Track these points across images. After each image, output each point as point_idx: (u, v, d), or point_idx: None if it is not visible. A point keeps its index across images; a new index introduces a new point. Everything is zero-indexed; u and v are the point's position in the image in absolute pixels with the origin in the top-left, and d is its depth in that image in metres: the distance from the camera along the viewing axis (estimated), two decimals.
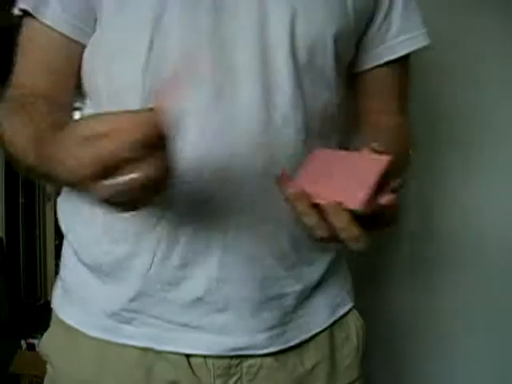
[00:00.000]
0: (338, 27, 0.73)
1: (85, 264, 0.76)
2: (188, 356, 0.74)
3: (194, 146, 0.67)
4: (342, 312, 0.83)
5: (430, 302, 1.40)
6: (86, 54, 0.73)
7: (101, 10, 0.70)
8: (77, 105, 0.79)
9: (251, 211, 0.72)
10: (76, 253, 0.77)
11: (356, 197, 0.56)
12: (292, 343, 0.78)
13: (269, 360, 0.76)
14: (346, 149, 0.67)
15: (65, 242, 0.81)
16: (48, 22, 0.71)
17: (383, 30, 0.80)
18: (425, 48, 0.82)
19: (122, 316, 0.74)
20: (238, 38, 0.68)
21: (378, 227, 0.59)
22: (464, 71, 1.33)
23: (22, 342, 2.43)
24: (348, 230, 0.56)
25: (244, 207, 0.71)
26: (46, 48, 0.72)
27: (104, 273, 0.74)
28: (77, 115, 0.80)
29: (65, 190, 0.81)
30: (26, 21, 0.73)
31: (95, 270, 0.75)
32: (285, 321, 0.77)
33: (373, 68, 0.83)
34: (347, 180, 0.58)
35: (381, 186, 0.57)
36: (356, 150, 0.62)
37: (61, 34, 0.71)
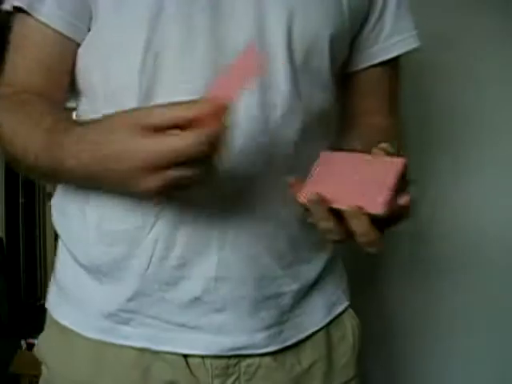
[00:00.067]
0: (334, 27, 0.73)
1: (81, 265, 0.76)
2: (186, 356, 0.74)
3: None
4: (337, 311, 0.83)
5: (428, 302, 1.40)
6: (80, 52, 0.73)
7: (97, 8, 0.69)
8: (72, 105, 0.78)
9: (251, 211, 0.72)
10: (71, 253, 0.77)
11: (376, 201, 0.56)
12: (289, 342, 0.78)
13: (267, 359, 0.76)
14: (349, 150, 0.67)
15: (59, 243, 0.80)
16: (43, 19, 0.70)
17: (377, 30, 0.80)
18: (415, 50, 0.83)
19: (119, 316, 0.74)
20: (235, 38, 0.68)
21: (391, 226, 0.59)
22: (464, 71, 1.32)
23: (22, 342, 2.43)
24: (368, 235, 0.57)
25: (244, 207, 0.71)
26: (40, 45, 0.71)
27: (101, 273, 0.74)
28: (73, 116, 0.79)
29: (59, 191, 0.81)
30: (19, 18, 0.72)
31: (91, 270, 0.75)
32: (282, 320, 0.77)
33: (367, 68, 0.83)
34: (365, 183, 0.58)
35: (397, 188, 0.58)
36: (363, 151, 0.62)
37: (55, 30, 0.71)
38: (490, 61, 1.31)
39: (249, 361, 0.75)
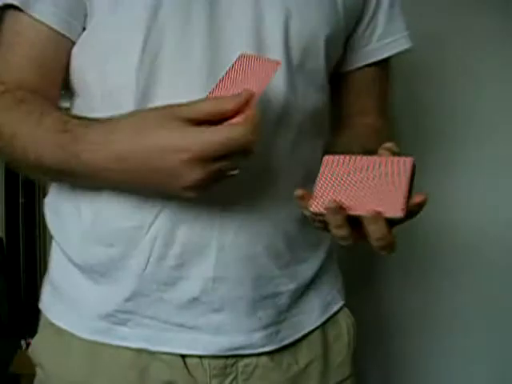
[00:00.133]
0: (330, 26, 0.73)
1: (75, 264, 0.75)
2: (183, 356, 0.74)
3: None
4: (333, 310, 0.84)
5: (427, 301, 1.40)
6: (75, 51, 0.73)
7: (92, 6, 0.69)
8: (65, 105, 0.78)
9: (251, 210, 0.72)
10: (65, 253, 0.77)
11: (395, 204, 0.56)
12: (286, 342, 0.78)
13: (264, 359, 0.76)
14: (350, 153, 0.66)
15: (53, 243, 0.80)
16: (37, 16, 0.70)
17: (370, 29, 0.81)
18: (407, 50, 0.84)
19: (116, 317, 0.73)
20: (233, 39, 0.68)
21: (396, 225, 0.59)
22: (464, 71, 1.32)
23: (22, 342, 2.42)
24: (385, 239, 0.56)
25: (244, 206, 0.71)
26: (34, 42, 0.71)
27: (97, 273, 0.73)
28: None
29: (53, 190, 0.80)
30: (11, 15, 0.71)
31: (85, 270, 0.74)
32: (279, 320, 0.77)
33: (360, 68, 0.84)
34: (378, 186, 0.58)
35: (410, 187, 0.57)
36: (367, 153, 0.62)
37: (49, 27, 0.70)
38: (490, 61, 1.31)
39: (246, 360, 0.75)
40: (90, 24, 0.70)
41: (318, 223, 0.61)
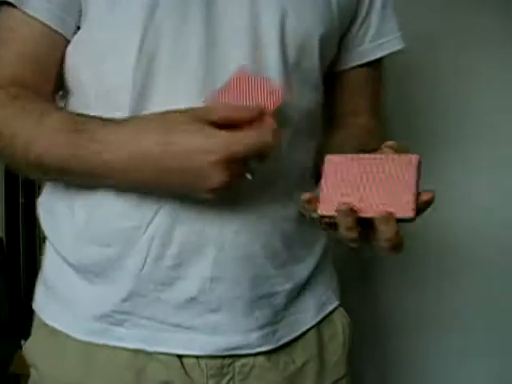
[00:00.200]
0: (324, 25, 0.74)
1: (69, 264, 0.75)
2: (180, 356, 0.74)
3: None
4: (328, 310, 0.84)
5: (426, 301, 1.40)
6: (69, 49, 0.72)
7: (87, 5, 0.69)
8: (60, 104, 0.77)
9: (250, 209, 0.72)
10: (59, 253, 0.76)
11: (405, 204, 0.55)
12: (283, 342, 0.78)
13: (261, 359, 0.76)
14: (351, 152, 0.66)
15: (47, 243, 0.79)
16: (31, 12, 0.69)
17: (364, 29, 0.82)
18: (399, 51, 0.85)
19: (113, 318, 0.73)
20: (229, 38, 0.68)
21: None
22: (456, 72, 1.32)
23: (22, 342, 2.41)
24: (394, 240, 0.56)
25: (242, 206, 0.71)
26: (27, 38, 0.71)
27: (92, 273, 0.73)
28: None
29: (46, 189, 0.79)
30: (4, 11, 0.71)
31: (80, 270, 0.74)
32: (276, 320, 0.77)
33: (354, 68, 0.85)
34: (386, 186, 0.57)
35: (417, 185, 0.57)
36: (368, 152, 0.61)
37: (43, 23, 0.70)
38: (490, 61, 1.31)
39: (243, 361, 0.75)
40: (85, 23, 0.70)
41: (325, 225, 0.61)
